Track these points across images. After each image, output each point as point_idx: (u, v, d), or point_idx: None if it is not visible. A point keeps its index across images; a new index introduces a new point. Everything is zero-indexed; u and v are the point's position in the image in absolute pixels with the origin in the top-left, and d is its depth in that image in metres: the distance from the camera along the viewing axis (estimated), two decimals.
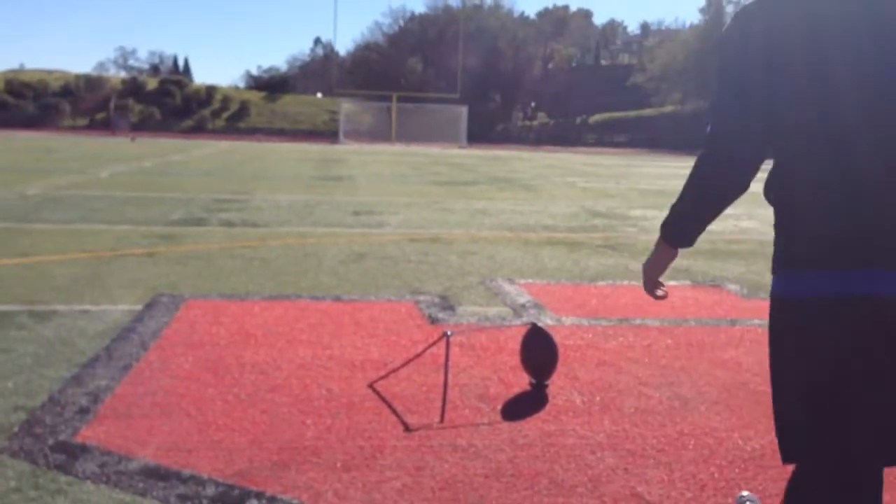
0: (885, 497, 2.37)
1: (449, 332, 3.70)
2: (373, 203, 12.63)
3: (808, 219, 1.74)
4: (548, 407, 3.47)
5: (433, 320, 4.94)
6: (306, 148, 42.84)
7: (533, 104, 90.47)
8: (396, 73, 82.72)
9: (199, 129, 72.80)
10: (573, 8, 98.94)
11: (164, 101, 77.21)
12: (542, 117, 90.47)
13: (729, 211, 8.59)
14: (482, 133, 71.46)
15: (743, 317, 5.31)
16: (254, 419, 3.19)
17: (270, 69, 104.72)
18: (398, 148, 48.45)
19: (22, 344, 4.13)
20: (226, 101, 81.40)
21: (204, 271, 6.34)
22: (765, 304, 6.16)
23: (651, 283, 2.02)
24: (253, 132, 70.12)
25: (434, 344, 3.87)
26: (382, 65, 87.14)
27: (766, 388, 3.76)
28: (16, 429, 3.01)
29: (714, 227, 8.22)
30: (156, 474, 2.67)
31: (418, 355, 3.91)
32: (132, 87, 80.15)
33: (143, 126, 69.42)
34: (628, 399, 3.58)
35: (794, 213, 1.79)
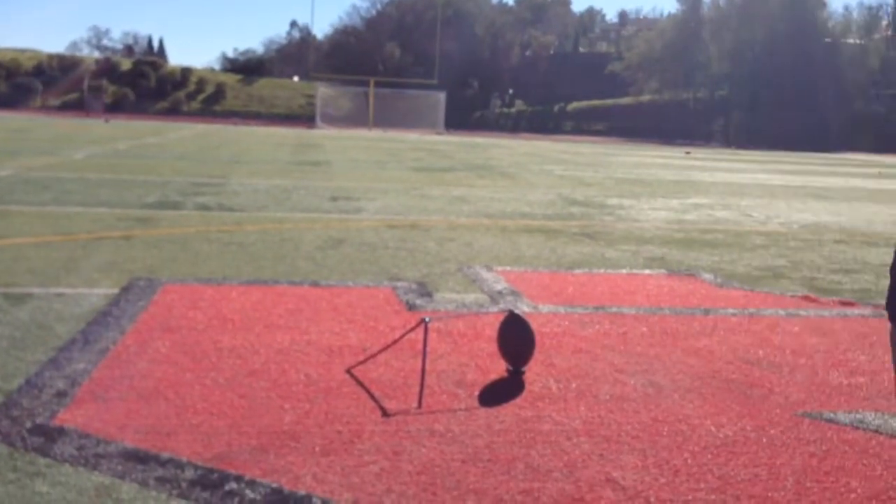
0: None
1: (427, 319, 3.72)
2: (350, 189, 12.60)
3: None
4: (524, 393, 3.50)
5: (411, 307, 4.96)
6: (283, 132, 42.58)
7: (511, 91, 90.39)
8: (374, 58, 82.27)
9: (174, 112, 72.07)
10: None
11: (138, 83, 76.30)
12: (519, 105, 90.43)
13: (703, 201, 8.76)
14: (460, 120, 71.34)
15: (716, 306, 5.38)
16: (232, 403, 3.20)
17: (247, 51, 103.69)
18: (376, 133, 48.28)
19: None
20: (201, 83, 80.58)
21: (180, 255, 6.31)
22: (737, 294, 6.23)
23: None
24: (229, 115, 69.51)
25: (412, 330, 3.90)
26: (360, 49, 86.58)
27: (739, 376, 3.84)
28: None
29: (689, 217, 8.39)
30: (134, 457, 2.68)
31: (396, 341, 3.93)
32: (106, 68, 79.06)
33: (117, 107, 68.58)
34: (604, 386, 3.63)
35: None
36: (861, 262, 7.64)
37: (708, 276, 6.49)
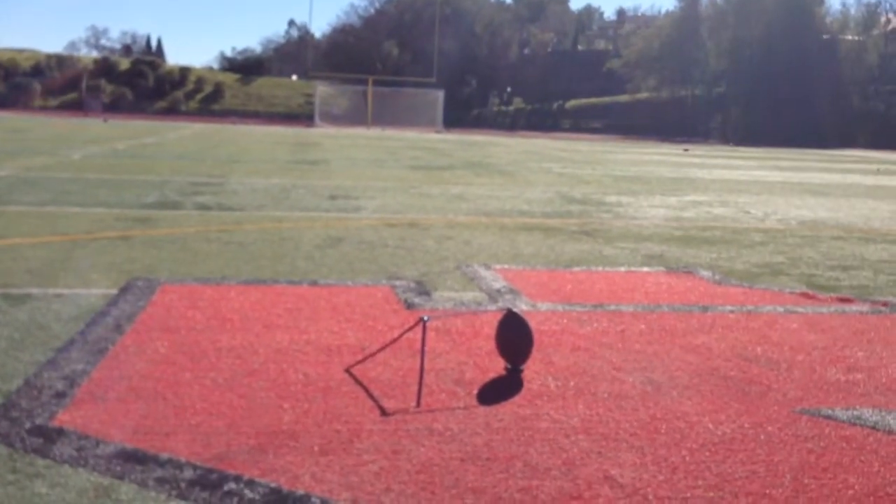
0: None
1: (425, 318, 3.73)
2: (349, 187, 12.60)
3: None
4: (523, 391, 3.51)
5: (409, 305, 4.97)
6: (281, 131, 42.56)
7: (509, 89, 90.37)
8: (372, 57, 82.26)
9: (172, 111, 72.04)
10: None
11: (136, 82, 76.28)
12: (518, 102, 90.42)
13: (701, 198, 8.76)
14: (458, 117, 71.34)
15: (715, 303, 5.39)
16: (231, 403, 3.21)
17: (245, 51, 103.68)
18: (374, 132, 48.27)
19: None
20: (200, 82, 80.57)
21: (179, 255, 6.31)
22: (736, 291, 6.23)
23: None
24: (227, 114, 69.51)
25: (411, 329, 3.90)
26: (358, 48, 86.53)
27: (737, 373, 3.85)
28: None
29: (687, 214, 8.38)
30: (133, 458, 2.68)
31: (395, 340, 3.93)
32: (104, 68, 79.06)
33: (115, 107, 68.55)
34: (602, 384, 3.64)
35: None
36: (859, 258, 7.65)
37: (706, 274, 6.50)
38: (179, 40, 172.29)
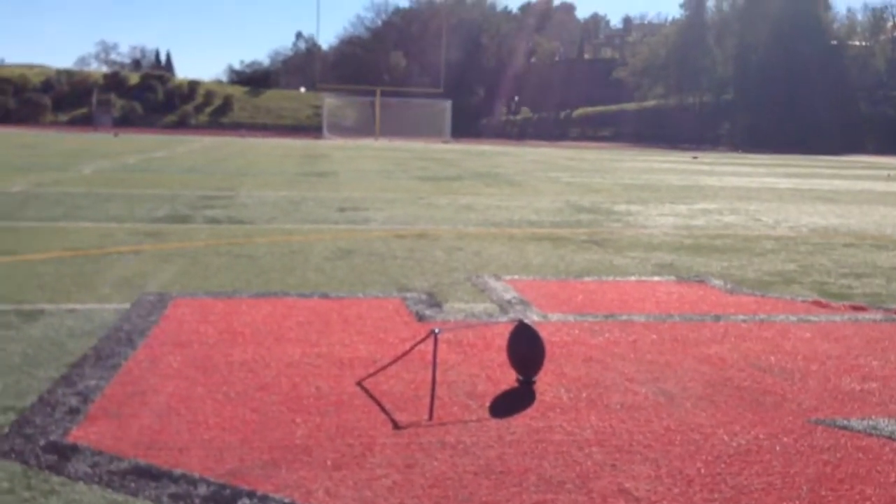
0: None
1: (436, 330, 3.72)
2: (358, 199, 12.63)
3: None
4: (535, 403, 3.50)
5: (420, 317, 4.96)
6: (290, 143, 42.72)
7: (516, 98, 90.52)
8: (380, 68, 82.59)
9: (182, 124, 72.47)
10: (556, 1, 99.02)
11: (146, 96, 76.79)
12: (525, 111, 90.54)
13: (711, 206, 8.74)
14: (466, 127, 71.49)
15: (727, 312, 5.37)
16: (244, 418, 3.21)
17: (253, 63, 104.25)
18: (382, 143, 48.38)
19: (10, 343, 4.12)
20: (209, 95, 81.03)
21: (190, 269, 6.33)
22: (748, 299, 6.19)
23: None
24: (236, 127, 69.86)
25: (422, 341, 3.90)
26: (365, 59, 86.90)
27: (751, 383, 3.83)
28: (6, 430, 3.01)
29: (697, 222, 8.37)
30: (147, 474, 2.68)
31: (406, 353, 3.93)
32: (114, 82, 79.60)
33: (125, 121, 68.98)
34: (615, 395, 3.63)
35: None
36: (871, 265, 7.61)
37: (718, 282, 6.47)
38: (188, 54, 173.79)
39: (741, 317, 5.24)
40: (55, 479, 2.63)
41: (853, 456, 3.02)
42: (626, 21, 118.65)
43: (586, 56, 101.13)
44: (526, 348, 3.79)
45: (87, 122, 66.22)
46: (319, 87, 71.41)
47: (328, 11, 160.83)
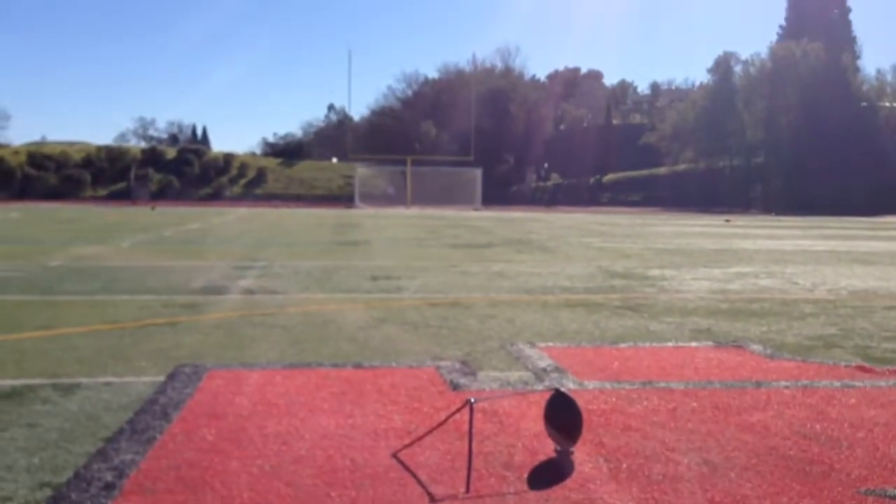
0: None
1: (472, 400, 3.68)
2: (390, 267, 12.68)
3: None
4: (574, 475, 3.42)
5: (455, 386, 4.92)
6: (323, 213, 43.24)
7: (546, 165, 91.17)
8: (410, 137, 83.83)
9: (217, 196, 73.83)
10: (584, 69, 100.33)
11: (182, 170, 78.56)
12: (555, 178, 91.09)
13: (746, 269, 8.64)
14: (496, 195, 71.98)
15: (768, 378, 5.25)
16: (278, 492, 3.17)
17: (286, 136, 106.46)
18: (413, 211, 48.77)
19: (47, 418, 4.14)
20: (243, 167, 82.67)
21: (225, 340, 6.36)
22: (789, 365, 6.06)
23: None
24: (270, 198, 71.01)
25: (458, 411, 3.85)
26: (396, 129, 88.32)
27: (796, 452, 3.72)
28: None
29: (733, 286, 8.27)
30: None
31: (441, 423, 3.88)
32: (151, 157, 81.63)
33: (162, 194, 70.48)
34: (656, 465, 3.54)
35: None
36: None
37: (757, 347, 6.35)
38: (224, 128, 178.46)
39: (783, 383, 5.12)
40: None
41: None
42: (654, 87, 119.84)
43: (615, 122, 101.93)
44: (563, 418, 3.72)
45: (125, 196, 67.76)
46: (351, 158, 72.58)
47: (359, 83, 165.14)
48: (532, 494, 3.20)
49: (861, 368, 5.60)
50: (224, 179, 79.76)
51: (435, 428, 3.88)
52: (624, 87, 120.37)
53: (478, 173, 62.75)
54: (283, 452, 3.65)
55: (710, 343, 6.53)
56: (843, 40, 77.95)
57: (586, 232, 25.87)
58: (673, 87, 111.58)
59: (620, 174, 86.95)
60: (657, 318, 7.67)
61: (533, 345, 6.31)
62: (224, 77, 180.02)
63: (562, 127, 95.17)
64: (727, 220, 39.12)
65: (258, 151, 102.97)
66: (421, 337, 6.60)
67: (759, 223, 36.60)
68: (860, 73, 78.43)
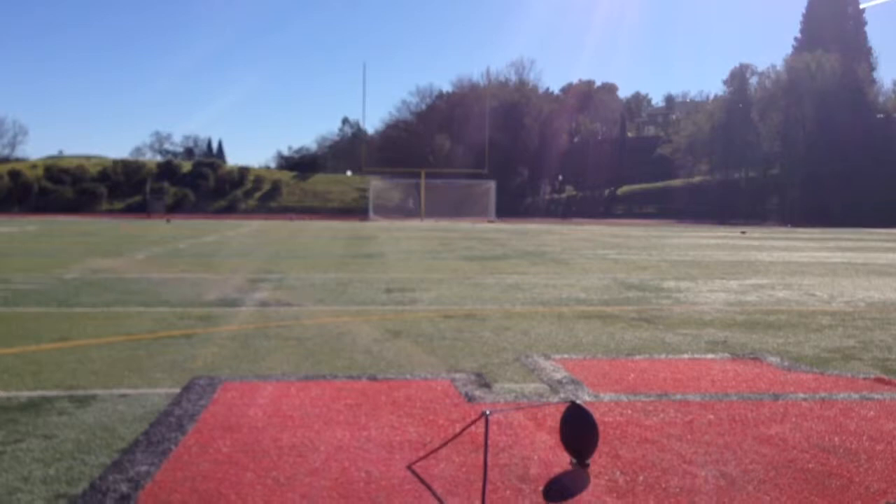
0: None
1: (487, 412, 3.66)
2: (405, 280, 12.67)
3: None
4: (591, 487, 3.40)
5: (470, 398, 4.90)
6: (337, 225, 43.35)
7: (560, 177, 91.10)
8: (424, 150, 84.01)
9: (232, 209, 74.17)
10: (598, 82, 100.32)
11: (198, 183, 78.99)
12: (569, 190, 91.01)
13: (763, 281, 8.58)
14: (510, 207, 71.98)
15: (786, 390, 5.20)
16: None
17: (301, 149, 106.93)
18: (427, 223, 48.82)
19: (63, 430, 4.15)
20: (258, 181, 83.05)
21: (240, 352, 6.37)
22: (807, 377, 6.02)
23: None
24: (285, 211, 71.26)
25: (473, 423, 3.84)
26: (410, 142, 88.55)
27: (815, 465, 3.68)
28: None
29: (749, 298, 8.21)
30: None
31: (457, 436, 3.87)
32: (167, 171, 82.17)
33: (177, 207, 70.89)
34: (673, 478, 3.50)
35: None
36: None
37: (774, 360, 6.30)
38: (239, 141, 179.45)
39: (801, 395, 5.07)
40: None
41: None
42: (668, 99, 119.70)
43: (629, 134, 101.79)
44: (579, 430, 3.70)
45: (141, 209, 68.18)
46: (365, 171, 72.85)
47: (373, 97, 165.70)
48: None
49: (880, 381, 5.54)
50: (239, 193, 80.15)
51: (450, 440, 3.86)
52: (638, 100, 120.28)
53: (492, 185, 62.80)
54: (298, 465, 3.64)
55: (726, 355, 6.48)
56: (858, 52, 77.70)
57: (601, 244, 25.80)
58: (687, 100, 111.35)
59: (635, 186, 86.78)
60: (673, 330, 7.62)
61: (548, 357, 6.28)
62: (239, 91, 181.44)
63: (576, 139, 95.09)
64: (743, 232, 38.92)
65: (273, 165, 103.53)
66: (436, 349, 6.59)
67: (775, 235, 36.40)
68: (876, 85, 78.08)
